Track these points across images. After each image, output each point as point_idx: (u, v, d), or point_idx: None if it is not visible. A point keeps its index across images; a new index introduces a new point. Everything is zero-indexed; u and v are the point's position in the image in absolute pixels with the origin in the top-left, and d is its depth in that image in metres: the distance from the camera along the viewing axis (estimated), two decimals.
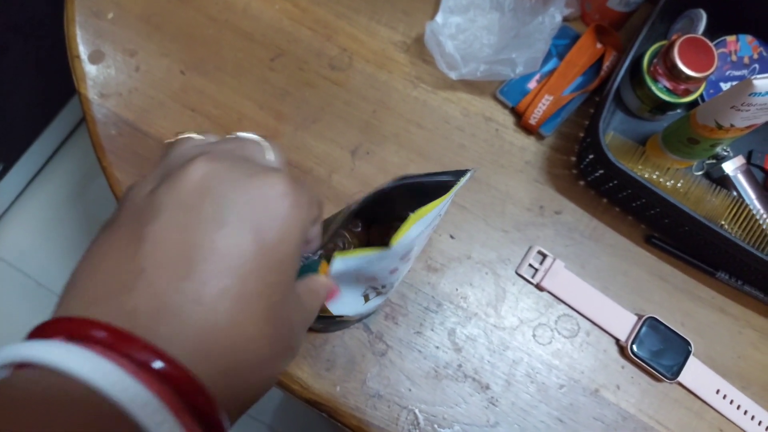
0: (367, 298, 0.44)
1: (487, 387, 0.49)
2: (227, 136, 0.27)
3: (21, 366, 0.18)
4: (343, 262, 0.33)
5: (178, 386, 0.18)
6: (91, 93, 0.54)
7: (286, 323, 0.23)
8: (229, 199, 0.22)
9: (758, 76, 0.39)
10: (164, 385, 0.18)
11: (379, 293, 0.44)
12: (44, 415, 0.16)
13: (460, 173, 0.36)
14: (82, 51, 0.55)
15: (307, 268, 0.32)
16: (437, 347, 0.50)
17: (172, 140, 0.26)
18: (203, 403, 0.19)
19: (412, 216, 0.33)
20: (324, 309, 0.39)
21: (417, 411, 0.48)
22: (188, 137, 0.26)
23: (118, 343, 0.18)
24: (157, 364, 0.18)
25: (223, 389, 0.20)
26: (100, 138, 0.53)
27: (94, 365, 0.17)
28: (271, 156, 0.26)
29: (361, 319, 0.50)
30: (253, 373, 0.21)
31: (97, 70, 0.55)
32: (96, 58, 0.55)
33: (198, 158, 0.23)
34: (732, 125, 0.45)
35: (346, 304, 0.43)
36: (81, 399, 0.17)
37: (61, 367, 0.17)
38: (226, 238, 0.21)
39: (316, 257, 0.32)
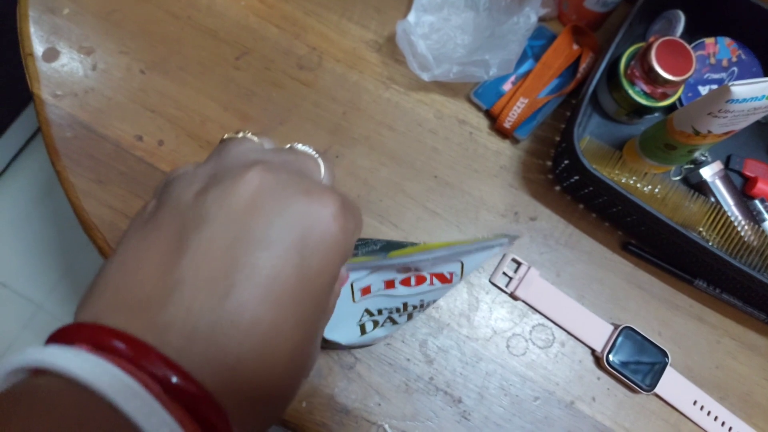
0: (363, 329, 0.42)
1: (460, 400, 0.48)
2: (284, 147, 0.26)
3: (38, 372, 0.18)
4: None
5: (195, 405, 0.18)
6: (45, 93, 0.51)
7: (313, 344, 0.23)
8: (280, 217, 0.21)
9: (736, 82, 0.38)
10: (180, 403, 0.18)
11: (376, 324, 0.43)
12: (50, 422, 0.15)
13: (497, 242, 0.39)
14: (36, 48, 0.52)
15: None
16: (408, 359, 0.48)
17: (227, 137, 0.25)
18: (220, 425, 0.18)
19: (422, 245, 0.40)
20: None
21: (387, 426, 0.47)
22: (245, 138, 0.25)
23: (137, 357, 0.18)
24: (176, 381, 0.18)
25: (247, 416, 0.20)
26: (54, 141, 0.50)
27: (106, 374, 0.17)
28: (323, 173, 0.25)
29: (351, 347, 0.48)
30: (277, 398, 0.21)
31: (52, 68, 0.52)
32: (50, 56, 0.52)
33: (254, 167, 0.22)
34: (709, 132, 0.43)
35: (341, 330, 0.42)
36: (92, 408, 0.16)
37: (76, 376, 0.17)
38: (271, 260, 0.20)
39: None
